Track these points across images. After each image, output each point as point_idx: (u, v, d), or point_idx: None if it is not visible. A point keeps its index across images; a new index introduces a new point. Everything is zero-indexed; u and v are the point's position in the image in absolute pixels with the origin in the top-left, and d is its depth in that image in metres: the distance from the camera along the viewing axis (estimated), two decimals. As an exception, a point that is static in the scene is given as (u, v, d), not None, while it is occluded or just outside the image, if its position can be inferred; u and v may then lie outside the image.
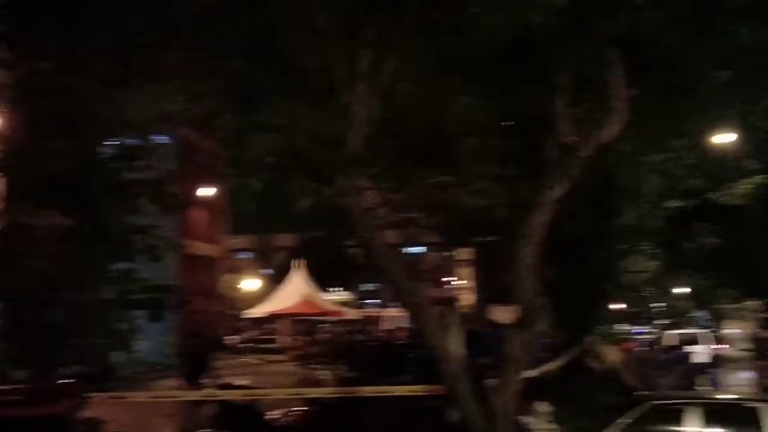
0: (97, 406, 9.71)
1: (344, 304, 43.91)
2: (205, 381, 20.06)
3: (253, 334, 40.85)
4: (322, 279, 41.85)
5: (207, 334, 25.81)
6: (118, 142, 14.62)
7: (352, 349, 27.04)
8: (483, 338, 16.08)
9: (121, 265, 14.32)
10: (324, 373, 19.85)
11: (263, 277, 49.32)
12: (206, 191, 33.86)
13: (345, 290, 50.08)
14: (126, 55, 11.17)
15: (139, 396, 12.47)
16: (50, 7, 11.61)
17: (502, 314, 19.87)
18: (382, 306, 46.63)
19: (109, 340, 14.03)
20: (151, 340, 22.36)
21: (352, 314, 40.61)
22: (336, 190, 9.89)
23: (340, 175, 9.75)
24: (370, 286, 49.97)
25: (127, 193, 14.19)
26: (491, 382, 10.19)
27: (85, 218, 13.27)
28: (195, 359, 22.47)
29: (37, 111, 13.02)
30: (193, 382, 19.59)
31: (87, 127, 13.10)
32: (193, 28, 9.98)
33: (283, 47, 9.78)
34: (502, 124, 11.91)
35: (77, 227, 13.26)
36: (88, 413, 8.25)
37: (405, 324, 33.42)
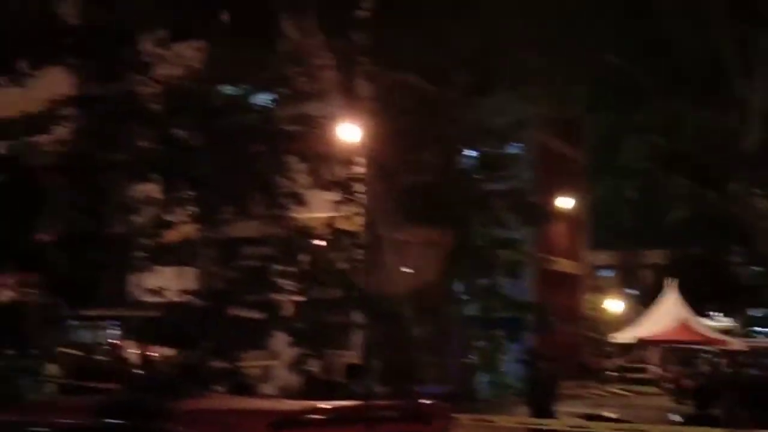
0: (462, 428, 10.10)
1: (726, 332, 41.14)
2: (555, 409, 19.84)
3: (619, 361, 39.96)
4: (698, 302, 39.63)
5: (560, 358, 25.65)
6: (477, 152, 15.20)
7: (741, 385, 25.22)
8: None
9: (484, 281, 14.81)
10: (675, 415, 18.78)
11: (628, 297, 48.07)
12: (566, 202, 33.91)
13: (726, 316, 46.96)
14: (487, 60, 11.62)
15: (504, 421, 12.78)
16: (411, 17, 12.48)
17: None
18: (775, 336, 42.95)
19: (474, 360, 14.60)
20: (511, 361, 22.75)
21: (736, 345, 37.87)
22: (726, 196, 9.35)
23: (733, 178, 9.20)
24: (759, 312, 46.32)
25: (489, 205, 14.68)
26: None
27: (450, 231, 13.96)
28: (542, 384, 22.38)
29: (399, 123, 14.02)
30: (539, 410, 19.47)
31: (449, 137, 13.82)
32: (559, 24, 10.08)
33: (663, 35, 9.48)
34: None
35: (442, 241, 14.00)
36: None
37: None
